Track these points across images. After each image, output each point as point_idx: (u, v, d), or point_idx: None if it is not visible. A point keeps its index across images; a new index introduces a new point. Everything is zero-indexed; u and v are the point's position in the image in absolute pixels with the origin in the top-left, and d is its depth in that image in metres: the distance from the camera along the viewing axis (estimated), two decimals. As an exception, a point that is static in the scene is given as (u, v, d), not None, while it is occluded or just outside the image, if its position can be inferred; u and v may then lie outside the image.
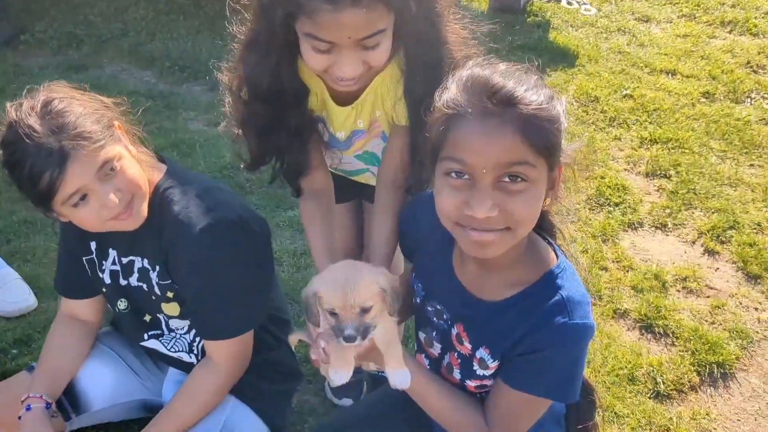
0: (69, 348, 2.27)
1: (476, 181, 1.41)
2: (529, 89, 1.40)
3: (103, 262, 2.17)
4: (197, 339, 2.22)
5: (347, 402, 2.71)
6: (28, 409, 2.06)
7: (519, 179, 1.41)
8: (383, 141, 2.07)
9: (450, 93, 1.45)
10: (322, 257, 1.99)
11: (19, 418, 2.06)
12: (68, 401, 2.25)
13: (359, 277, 1.52)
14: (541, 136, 1.38)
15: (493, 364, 1.64)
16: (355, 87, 1.81)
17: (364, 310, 1.51)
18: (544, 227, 1.66)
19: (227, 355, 2.11)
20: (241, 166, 2.11)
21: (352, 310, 1.50)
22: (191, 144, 4.47)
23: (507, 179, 1.40)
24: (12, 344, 2.92)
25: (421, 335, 1.83)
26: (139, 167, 1.96)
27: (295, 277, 3.36)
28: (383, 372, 2.75)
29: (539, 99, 1.39)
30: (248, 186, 4.06)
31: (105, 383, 2.32)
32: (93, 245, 2.17)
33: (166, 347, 2.26)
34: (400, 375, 1.63)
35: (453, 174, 1.44)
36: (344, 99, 1.96)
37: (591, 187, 3.99)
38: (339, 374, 1.57)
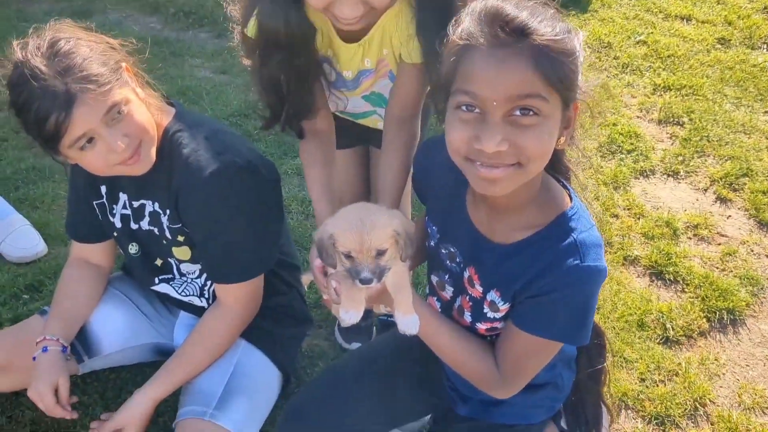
0: (82, 292, 2.27)
1: (486, 114, 1.38)
2: (544, 20, 1.35)
3: (114, 206, 2.16)
4: (208, 283, 2.23)
5: (357, 346, 2.72)
6: (45, 350, 2.08)
7: (531, 113, 1.37)
8: (391, 81, 2.03)
9: (463, 24, 1.41)
10: (320, 197, 2.00)
11: (34, 359, 2.08)
12: (81, 344, 2.27)
13: (375, 220, 1.50)
14: (554, 68, 1.34)
15: (503, 307, 1.63)
16: (358, 26, 1.77)
17: (380, 253, 1.49)
18: (558, 169, 1.63)
19: (238, 299, 2.12)
20: (261, 125, 2.07)
21: (368, 252, 1.48)
22: (198, 91, 4.43)
23: (518, 113, 1.36)
24: (23, 289, 2.94)
25: (434, 278, 1.82)
26: (147, 111, 1.93)
27: (304, 224, 3.36)
28: (392, 317, 2.78)
29: (554, 31, 1.35)
30: (256, 134, 4.03)
31: (117, 327, 2.33)
32: (103, 189, 2.16)
33: (177, 291, 2.27)
34: (408, 320, 1.62)
35: (463, 107, 1.41)
36: (351, 36, 1.92)
37: (603, 134, 3.95)
38: (350, 314, 1.56)
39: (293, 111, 1.97)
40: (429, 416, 2.38)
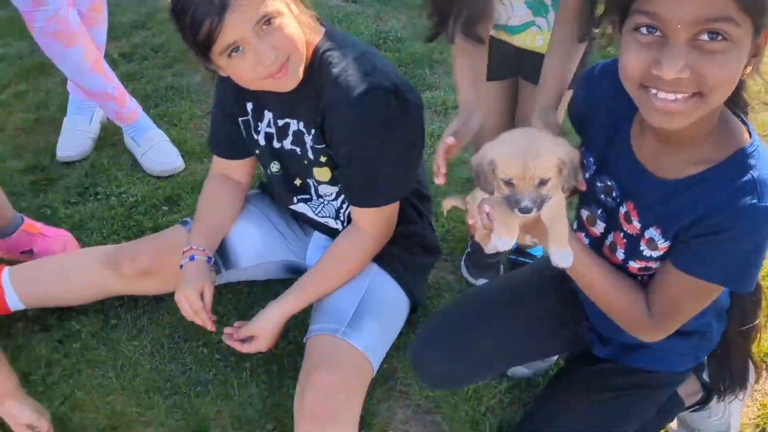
0: (222, 206, 2.34)
1: (669, 37, 1.26)
2: None
3: (259, 123, 2.19)
4: (344, 206, 2.24)
5: (483, 283, 2.68)
6: (191, 259, 2.17)
7: (719, 38, 1.24)
8: None
9: None
10: (463, 79, 1.96)
11: (181, 266, 2.17)
12: (219, 256, 2.35)
13: (540, 147, 1.42)
14: None
15: (663, 245, 1.54)
16: None
17: (542, 182, 1.43)
18: (736, 102, 1.50)
19: (374, 223, 2.12)
20: (427, 36, 2.02)
21: (531, 181, 1.42)
22: (330, 20, 4.39)
23: (705, 37, 1.24)
24: (162, 201, 3.07)
25: (584, 213, 1.75)
26: (298, 27, 1.92)
27: (431, 158, 3.30)
28: (524, 256, 2.71)
29: None
30: (386, 65, 3.98)
31: (253, 242, 2.40)
32: (249, 106, 2.18)
33: (314, 212, 2.30)
34: (563, 253, 1.55)
35: (642, 29, 1.29)
36: None
37: (757, 82, 3.66)
38: (503, 240, 1.50)
39: (469, 13, 1.89)
40: (556, 357, 2.34)
